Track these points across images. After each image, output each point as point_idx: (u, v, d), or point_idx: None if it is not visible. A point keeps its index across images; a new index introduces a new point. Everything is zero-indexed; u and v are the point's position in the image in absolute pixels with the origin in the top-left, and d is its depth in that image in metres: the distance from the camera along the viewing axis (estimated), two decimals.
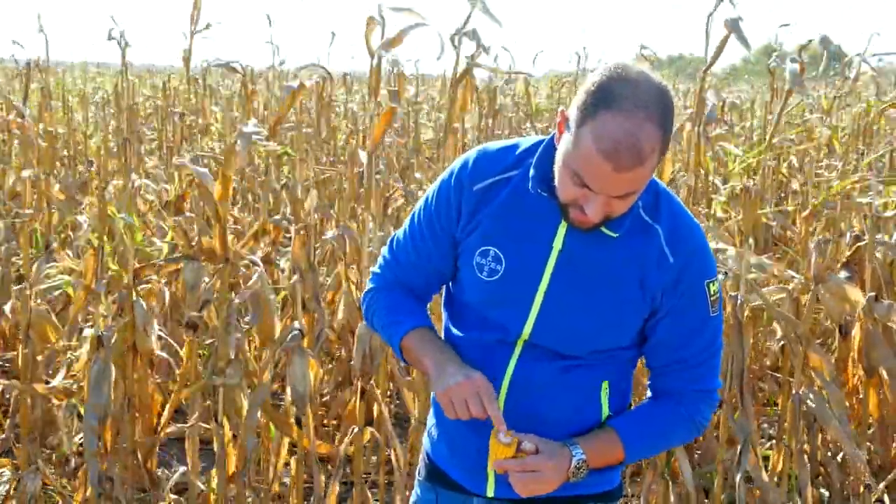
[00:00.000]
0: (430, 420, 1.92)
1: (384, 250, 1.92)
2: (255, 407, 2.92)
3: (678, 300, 1.69)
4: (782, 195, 5.69)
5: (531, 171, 1.69)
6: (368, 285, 1.94)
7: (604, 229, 1.66)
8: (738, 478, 2.97)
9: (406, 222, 1.88)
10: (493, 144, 1.79)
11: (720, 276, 1.63)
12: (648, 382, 1.83)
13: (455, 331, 1.83)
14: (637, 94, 1.51)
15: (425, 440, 1.95)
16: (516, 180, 1.72)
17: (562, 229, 1.69)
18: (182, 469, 3.33)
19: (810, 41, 3.50)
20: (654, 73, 1.57)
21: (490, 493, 1.79)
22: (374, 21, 3.03)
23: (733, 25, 3.17)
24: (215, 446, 3.08)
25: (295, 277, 3.37)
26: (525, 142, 1.77)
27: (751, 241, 3.76)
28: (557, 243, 1.69)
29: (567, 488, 1.74)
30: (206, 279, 3.31)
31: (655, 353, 1.76)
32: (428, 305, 1.94)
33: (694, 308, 1.70)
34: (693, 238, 1.71)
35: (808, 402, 3.13)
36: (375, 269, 1.93)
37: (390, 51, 3.06)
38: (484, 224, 1.73)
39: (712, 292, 1.71)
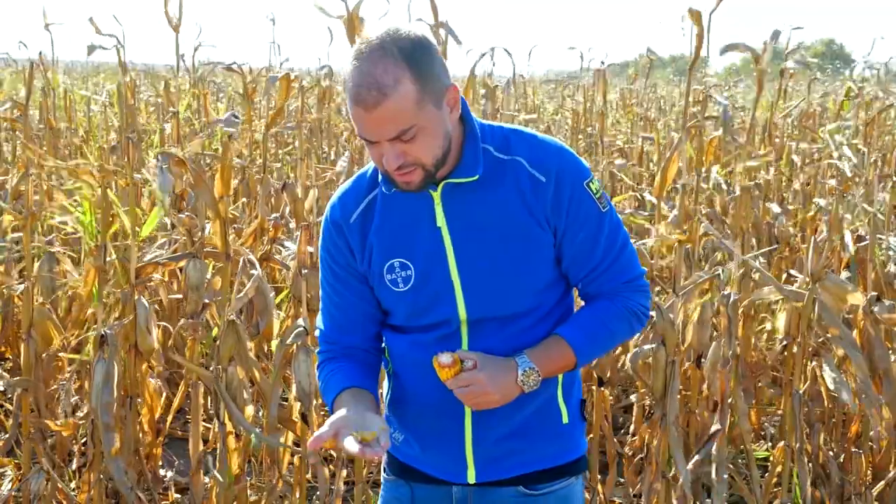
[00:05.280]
0: (387, 427, 1.90)
1: (317, 329, 1.95)
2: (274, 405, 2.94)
3: (568, 213, 1.74)
4: (785, 194, 5.68)
5: (380, 178, 1.76)
6: (317, 360, 1.97)
7: (457, 179, 1.71)
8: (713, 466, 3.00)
9: (320, 297, 1.92)
10: (345, 184, 1.87)
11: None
12: (579, 297, 1.87)
13: (400, 344, 1.86)
14: (373, 43, 1.60)
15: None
16: (379, 195, 1.79)
17: (437, 207, 1.74)
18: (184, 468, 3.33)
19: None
20: (406, 30, 1.62)
21: (472, 479, 1.83)
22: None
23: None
24: (217, 445, 3.09)
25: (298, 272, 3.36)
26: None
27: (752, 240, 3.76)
28: (440, 220, 1.74)
29: (535, 462, 1.82)
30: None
31: (572, 270, 1.81)
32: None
33: (584, 213, 1.75)
34: (555, 152, 1.77)
35: (825, 370, 3.12)
36: (317, 348, 1.96)
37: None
38: (374, 245, 1.79)
39: (594, 191, 1.77)
